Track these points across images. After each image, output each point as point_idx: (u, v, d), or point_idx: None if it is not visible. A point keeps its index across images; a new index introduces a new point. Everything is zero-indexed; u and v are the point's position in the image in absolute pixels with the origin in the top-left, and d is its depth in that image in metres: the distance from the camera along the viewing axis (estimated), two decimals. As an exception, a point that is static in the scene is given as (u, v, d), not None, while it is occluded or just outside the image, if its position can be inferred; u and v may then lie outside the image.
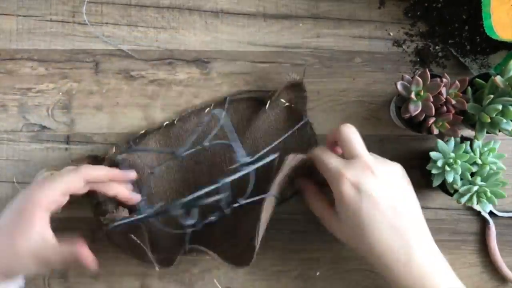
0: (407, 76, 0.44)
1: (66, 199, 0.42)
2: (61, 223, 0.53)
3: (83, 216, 0.53)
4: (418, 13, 0.53)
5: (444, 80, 0.44)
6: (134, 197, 0.47)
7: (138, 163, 0.50)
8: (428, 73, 0.43)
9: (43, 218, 0.40)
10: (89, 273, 0.53)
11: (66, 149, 0.53)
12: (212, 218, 0.44)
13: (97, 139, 0.53)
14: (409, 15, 0.54)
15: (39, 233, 0.39)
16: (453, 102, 0.44)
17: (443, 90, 0.43)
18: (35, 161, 0.53)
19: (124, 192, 0.46)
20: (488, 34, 0.48)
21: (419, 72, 0.44)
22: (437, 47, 0.53)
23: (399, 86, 0.44)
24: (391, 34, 0.54)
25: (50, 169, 0.51)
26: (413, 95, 0.43)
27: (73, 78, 0.53)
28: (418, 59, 0.53)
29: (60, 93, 0.53)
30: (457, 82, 0.44)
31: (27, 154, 0.53)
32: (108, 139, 0.53)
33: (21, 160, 0.53)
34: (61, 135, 0.53)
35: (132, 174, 0.47)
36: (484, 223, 0.54)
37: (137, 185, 0.50)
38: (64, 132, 0.53)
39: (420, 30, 0.54)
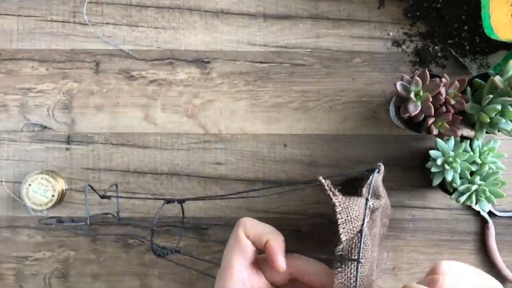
0: (406, 76, 0.44)
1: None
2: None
3: (83, 216, 0.53)
4: (418, 13, 0.54)
5: (444, 80, 0.44)
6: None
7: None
8: (428, 73, 0.43)
9: None
10: (90, 273, 0.53)
11: (67, 149, 0.53)
12: None
13: (97, 139, 0.53)
14: (409, 15, 0.54)
15: None
16: (452, 102, 0.44)
17: (442, 90, 0.43)
18: (35, 161, 0.53)
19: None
20: (487, 34, 0.48)
21: (419, 72, 0.44)
22: (436, 47, 0.54)
23: (398, 86, 0.44)
24: (391, 34, 0.54)
25: (43, 172, 0.52)
26: (412, 95, 0.43)
27: (73, 78, 0.53)
28: (418, 59, 0.54)
29: (61, 93, 0.53)
30: (456, 82, 0.44)
31: (28, 154, 0.53)
32: (108, 139, 0.53)
33: (22, 160, 0.53)
34: (62, 135, 0.53)
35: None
36: (483, 223, 0.54)
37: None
38: (64, 132, 0.53)
39: (420, 30, 0.54)
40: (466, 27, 0.53)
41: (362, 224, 0.34)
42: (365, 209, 0.35)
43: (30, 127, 0.53)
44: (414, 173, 0.53)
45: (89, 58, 0.53)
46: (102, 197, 0.49)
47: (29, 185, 0.51)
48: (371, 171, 0.39)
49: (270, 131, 0.53)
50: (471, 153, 0.46)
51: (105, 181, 0.53)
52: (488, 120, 0.43)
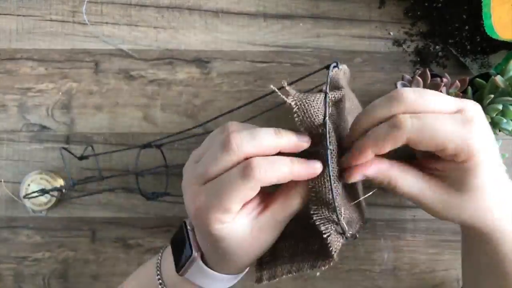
0: (407, 76, 0.44)
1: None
2: (61, 223, 0.53)
3: (83, 216, 0.53)
4: (418, 13, 0.53)
5: (444, 80, 0.44)
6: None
7: None
8: (428, 73, 0.43)
9: (232, 230, 0.32)
10: (89, 273, 0.53)
11: (66, 149, 0.53)
12: None
13: (97, 139, 0.53)
14: (409, 15, 0.54)
15: (243, 238, 0.33)
16: (454, 101, 0.44)
17: (443, 89, 0.43)
18: (35, 161, 0.53)
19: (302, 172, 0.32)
20: (488, 33, 0.48)
21: (419, 71, 0.44)
22: (437, 47, 0.53)
23: (399, 86, 0.44)
24: (391, 34, 0.54)
25: (42, 172, 0.52)
26: (413, 95, 0.43)
27: (73, 78, 0.53)
28: (418, 59, 0.53)
29: (60, 93, 0.53)
30: (457, 82, 0.44)
31: (27, 154, 0.53)
32: (108, 139, 0.53)
33: (21, 160, 0.53)
34: (61, 135, 0.53)
35: (318, 167, 0.33)
36: (484, 223, 0.53)
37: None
38: (64, 132, 0.53)
39: (420, 30, 0.54)
40: (467, 27, 0.52)
41: (324, 117, 0.32)
42: (325, 102, 0.33)
43: (29, 127, 0.53)
44: (415, 173, 0.53)
45: (89, 57, 0.53)
46: (80, 158, 0.50)
47: (28, 185, 0.51)
48: (328, 67, 0.36)
49: (270, 131, 0.53)
50: (472, 153, 0.46)
51: (105, 181, 0.53)
52: (489, 120, 0.43)
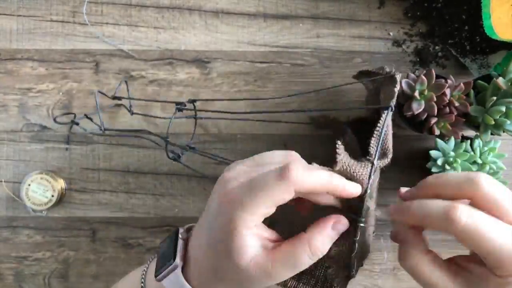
0: (412, 75, 0.44)
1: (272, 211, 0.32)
2: (61, 223, 0.53)
3: (83, 216, 0.53)
4: (418, 13, 0.53)
5: (449, 81, 0.44)
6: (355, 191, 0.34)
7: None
8: (434, 73, 0.43)
9: (248, 240, 0.31)
10: (89, 273, 0.53)
11: (66, 149, 0.53)
12: None
13: (97, 139, 0.53)
14: (409, 15, 0.54)
15: (251, 258, 0.31)
16: (456, 104, 0.44)
17: (447, 91, 0.43)
18: (35, 161, 0.53)
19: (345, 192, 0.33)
20: (487, 34, 0.48)
21: (425, 71, 0.44)
22: (436, 47, 0.53)
23: (403, 84, 0.44)
24: (391, 34, 0.54)
25: (42, 172, 0.52)
26: (416, 94, 0.43)
27: (73, 78, 0.53)
28: (418, 59, 0.54)
29: (60, 93, 0.53)
30: (461, 84, 0.44)
31: (28, 154, 0.53)
32: (108, 139, 0.53)
33: (21, 160, 0.53)
34: (61, 135, 0.53)
35: (358, 190, 0.34)
36: (483, 222, 0.54)
37: None
38: (64, 132, 0.53)
39: (420, 30, 0.54)
40: (466, 27, 0.52)
41: (365, 192, 0.33)
42: (369, 176, 0.34)
43: (29, 127, 0.53)
44: (415, 173, 0.53)
45: (89, 58, 0.53)
46: (113, 98, 0.50)
47: (29, 185, 0.51)
48: (384, 108, 0.36)
49: (269, 131, 0.53)
50: (472, 153, 0.46)
51: (105, 181, 0.53)
52: (493, 122, 0.43)
